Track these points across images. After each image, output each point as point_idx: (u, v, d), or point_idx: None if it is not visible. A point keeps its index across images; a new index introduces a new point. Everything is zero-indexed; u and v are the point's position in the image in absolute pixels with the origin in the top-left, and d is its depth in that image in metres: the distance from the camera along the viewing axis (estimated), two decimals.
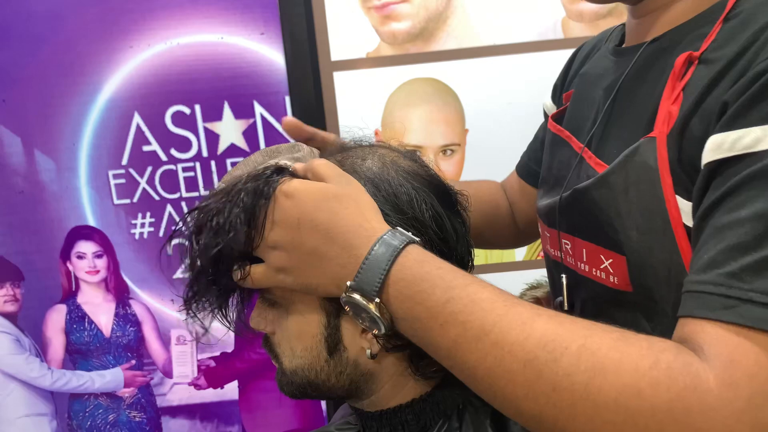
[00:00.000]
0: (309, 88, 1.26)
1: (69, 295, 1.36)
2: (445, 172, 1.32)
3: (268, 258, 0.51)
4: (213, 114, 1.28)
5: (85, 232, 1.33)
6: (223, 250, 0.51)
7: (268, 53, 1.25)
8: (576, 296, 0.66)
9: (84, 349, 1.38)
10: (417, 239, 0.48)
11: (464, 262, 0.57)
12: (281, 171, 0.53)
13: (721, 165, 0.45)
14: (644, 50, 0.59)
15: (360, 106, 1.29)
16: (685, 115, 0.50)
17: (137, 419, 1.41)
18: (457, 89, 1.29)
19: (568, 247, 0.65)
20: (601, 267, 0.60)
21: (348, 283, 0.47)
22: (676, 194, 0.51)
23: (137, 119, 1.28)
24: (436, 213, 0.53)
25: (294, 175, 0.53)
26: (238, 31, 1.24)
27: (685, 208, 0.51)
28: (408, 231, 0.49)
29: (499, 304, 0.44)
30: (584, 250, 0.62)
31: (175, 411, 1.41)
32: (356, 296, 0.47)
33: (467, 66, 1.27)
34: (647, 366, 0.40)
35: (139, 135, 1.29)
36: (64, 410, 1.41)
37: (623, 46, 0.66)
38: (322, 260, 0.48)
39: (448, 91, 1.29)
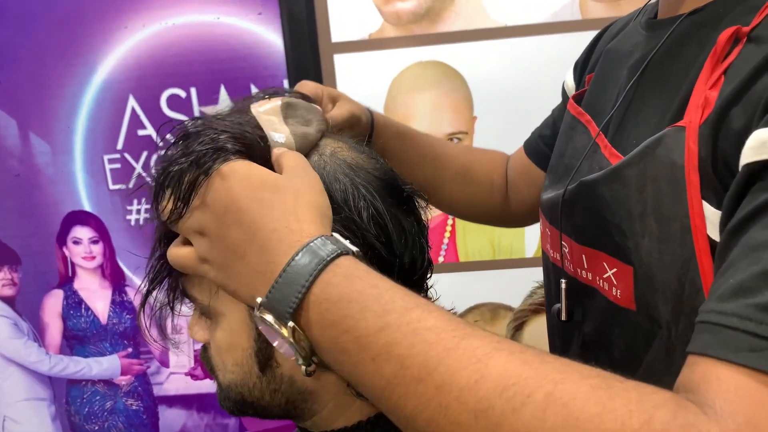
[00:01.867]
0: (308, 72, 1.20)
1: (66, 281, 1.34)
2: None
3: (193, 242, 0.43)
4: (209, 98, 1.23)
5: (80, 218, 1.30)
6: (152, 216, 0.46)
7: (265, 34, 1.20)
8: (576, 305, 0.58)
9: (81, 335, 1.36)
10: (353, 249, 0.39)
11: (415, 268, 0.49)
12: (242, 149, 0.44)
13: (765, 168, 0.37)
14: (681, 23, 0.50)
15: (362, 90, 1.22)
16: (724, 104, 0.42)
17: (134, 407, 1.40)
18: (465, 73, 1.21)
19: (566, 250, 0.58)
20: (604, 276, 0.52)
21: (258, 299, 0.38)
22: (702, 199, 0.43)
23: (132, 102, 1.24)
24: (376, 212, 0.46)
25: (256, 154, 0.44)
26: (234, 10, 1.19)
27: (711, 216, 0.42)
28: (342, 235, 0.42)
29: (447, 335, 0.35)
30: (583, 255, 0.55)
31: (172, 401, 1.39)
32: (268, 317, 0.38)
33: (476, 49, 1.19)
34: (635, 426, 0.30)
35: (135, 118, 1.25)
36: (62, 395, 1.40)
37: (658, 18, 0.56)
38: (240, 261, 0.40)
39: (455, 76, 1.21)
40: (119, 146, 1.26)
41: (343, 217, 0.45)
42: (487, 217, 0.89)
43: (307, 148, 0.49)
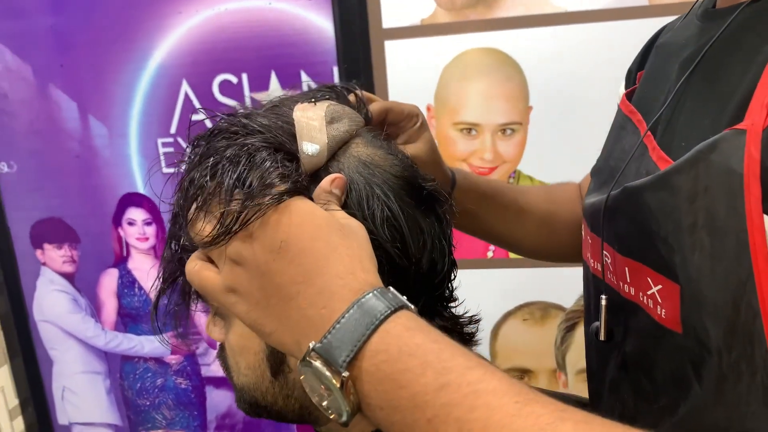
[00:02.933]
0: (358, 58, 1.17)
1: (121, 260, 1.38)
2: (504, 154, 1.20)
3: (222, 268, 0.40)
4: (260, 83, 1.23)
5: (135, 200, 1.33)
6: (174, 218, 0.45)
7: (316, 20, 1.18)
8: (617, 324, 0.54)
9: (134, 314, 1.40)
10: (411, 306, 0.37)
11: (435, 271, 0.47)
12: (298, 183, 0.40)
13: None
14: (742, 11, 0.45)
15: (412, 78, 1.19)
16: None
17: (183, 386, 1.43)
18: (522, 61, 1.15)
19: (608, 261, 0.53)
20: (648, 293, 0.48)
21: (311, 343, 0.35)
22: (764, 213, 0.39)
23: (185, 87, 1.25)
24: (391, 214, 0.43)
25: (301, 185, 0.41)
26: None
27: None
28: None
29: (509, 399, 0.32)
30: (626, 268, 0.50)
31: (219, 382, 1.42)
32: (318, 364, 0.35)
33: (534, 35, 1.13)
34: None
35: (188, 103, 1.26)
36: (116, 370, 1.46)
37: (716, 7, 0.51)
38: (289, 302, 0.37)
39: (510, 64, 1.16)
40: (172, 130, 1.28)
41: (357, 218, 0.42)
42: (574, 257, 0.85)
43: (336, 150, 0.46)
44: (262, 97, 1.24)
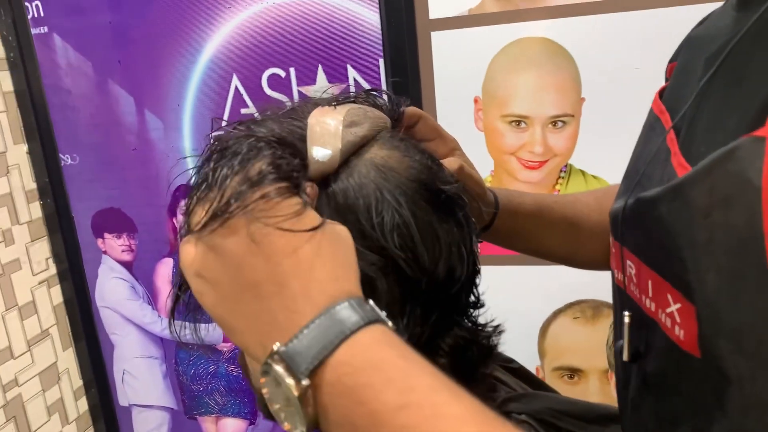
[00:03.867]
0: (404, 51, 1.16)
1: (175, 250, 1.43)
2: (555, 147, 1.16)
3: (197, 251, 0.37)
4: (307, 77, 1.23)
5: (189, 191, 1.37)
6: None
7: (362, 13, 1.17)
8: (641, 342, 0.50)
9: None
10: (389, 322, 0.35)
11: (453, 279, 0.44)
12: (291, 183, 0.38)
13: None
14: None
15: (459, 69, 1.17)
16: None
17: (234, 373, 1.47)
18: (573, 51, 1.11)
19: (632, 272, 0.49)
20: (668, 311, 0.44)
21: (276, 345, 0.33)
22: None
23: (236, 81, 1.27)
24: (402, 221, 0.42)
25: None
26: None
27: None
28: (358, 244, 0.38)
29: (471, 428, 0.30)
30: (650, 281, 0.46)
31: None
32: (279, 368, 0.33)
33: (587, 23, 1.09)
34: None
35: (238, 97, 1.28)
36: (172, 356, 1.51)
37: None
38: (260, 302, 0.35)
39: (561, 53, 1.12)
40: (224, 124, 1.30)
41: (364, 227, 0.41)
42: (588, 261, 0.81)
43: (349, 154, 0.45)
44: (308, 91, 1.24)
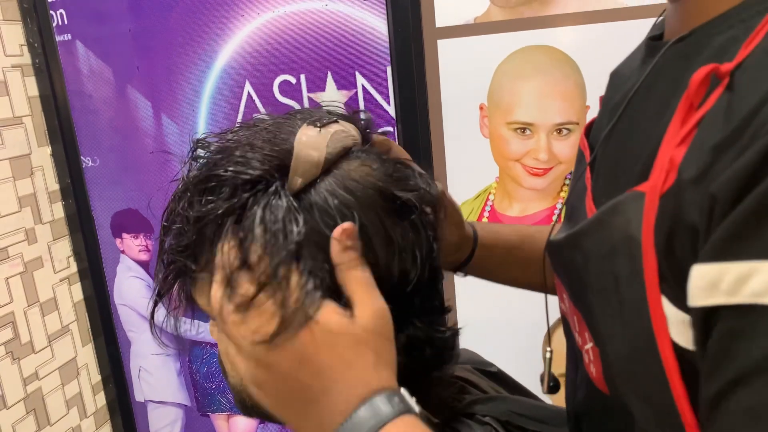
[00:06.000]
0: (411, 58, 1.18)
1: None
2: (559, 154, 1.16)
3: (247, 363, 0.42)
4: (317, 84, 1.26)
5: None
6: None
7: (371, 21, 1.19)
8: (573, 370, 0.52)
9: None
10: (416, 409, 0.40)
11: (407, 280, 0.46)
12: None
13: (723, 313, 0.29)
14: (667, 51, 0.40)
15: (465, 77, 1.18)
16: (692, 173, 0.32)
17: None
18: (578, 59, 1.12)
19: (567, 304, 0.50)
20: (585, 348, 0.46)
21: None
22: (661, 293, 0.34)
23: (248, 88, 1.30)
24: (359, 225, 0.44)
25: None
26: None
27: (672, 317, 0.34)
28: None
29: None
30: (575, 317, 0.48)
31: None
32: None
33: (591, 32, 1.09)
34: None
35: (250, 103, 1.31)
36: (185, 355, 1.55)
37: (664, 38, 0.46)
38: (307, 406, 0.41)
39: (566, 62, 1.12)
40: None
41: (322, 230, 0.43)
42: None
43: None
44: (318, 97, 1.27)
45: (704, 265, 0.30)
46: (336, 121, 0.49)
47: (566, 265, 0.45)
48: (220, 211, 0.45)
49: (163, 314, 0.54)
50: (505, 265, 0.69)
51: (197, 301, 0.51)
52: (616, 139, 0.44)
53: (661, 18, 0.51)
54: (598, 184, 0.46)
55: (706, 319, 0.31)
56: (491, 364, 0.66)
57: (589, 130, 0.55)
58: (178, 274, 0.49)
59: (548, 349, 0.52)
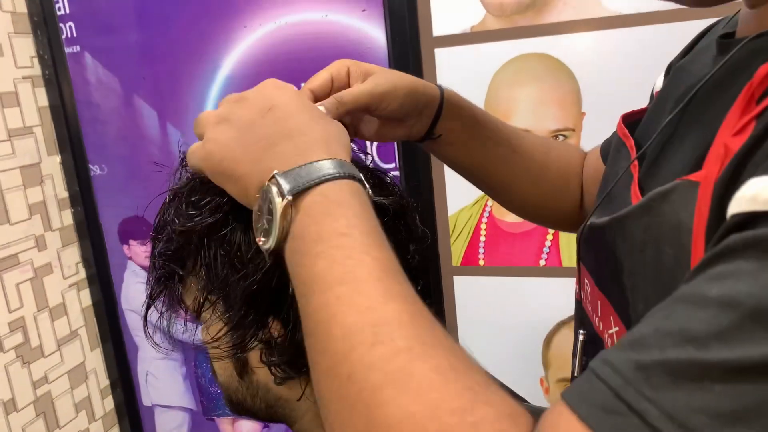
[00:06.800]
0: (408, 66, 1.20)
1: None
2: None
3: (212, 126, 0.47)
4: None
5: None
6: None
7: (370, 30, 1.22)
8: (591, 357, 0.53)
9: None
10: (368, 186, 0.43)
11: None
12: None
13: (748, 222, 0.30)
14: (744, 47, 0.41)
15: (462, 84, 1.19)
16: (741, 156, 0.33)
17: None
18: (573, 67, 1.13)
19: (588, 290, 0.52)
20: (609, 332, 0.46)
21: (276, 171, 0.41)
22: None
23: None
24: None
25: None
26: (341, 8, 1.22)
27: None
28: None
29: (379, 272, 0.37)
30: (599, 302, 0.49)
31: None
32: (273, 188, 0.41)
33: (586, 40, 1.11)
34: (452, 408, 0.30)
35: None
36: (191, 358, 1.57)
37: (736, 36, 0.46)
38: (268, 149, 0.43)
39: (561, 69, 1.14)
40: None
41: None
42: (559, 222, 0.81)
43: None
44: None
45: (756, 178, 0.30)
46: None
47: (605, 247, 0.45)
48: (204, 225, 0.47)
49: (164, 317, 0.56)
50: (467, 142, 0.67)
51: (186, 303, 0.54)
52: (679, 130, 0.45)
53: (721, 18, 0.51)
54: (647, 173, 0.46)
55: (728, 229, 0.30)
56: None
57: (629, 119, 0.56)
58: (167, 278, 0.52)
59: (582, 332, 0.53)
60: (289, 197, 0.40)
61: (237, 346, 0.49)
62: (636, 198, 0.45)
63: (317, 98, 0.54)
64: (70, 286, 1.53)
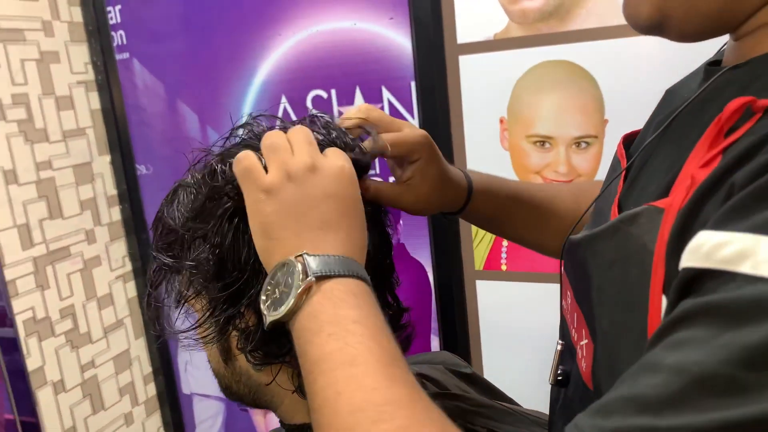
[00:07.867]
0: (433, 73, 1.23)
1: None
2: (579, 167, 1.18)
3: (274, 170, 0.49)
4: (346, 98, 1.33)
5: None
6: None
7: (396, 38, 1.25)
8: (568, 367, 0.55)
9: None
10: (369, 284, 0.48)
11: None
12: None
13: (699, 277, 0.32)
14: (721, 76, 0.42)
15: (485, 91, 1.22)
16: (704, 189, 0.35)
17: None
18: (596, 74, 1.13)
19: (569, 301, 0.54)
20: (580, 344, 0.49)
21: (306, 251, 0.45)
22: (663, 293, 0.37)
23: (284, 101, 1.39)
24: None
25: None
26: (369, 16, 1.26)
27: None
28: None
29: (386, 359, 0.41)
30: (575, 314, 0.51)
31: None
32: (299, 265, 0.45)
33: (609, 47, 1.11)
34: None
35: (286, 116, 1.40)
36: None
37: (722, 65, 0.48)
38: (314, 230, 0.47)
39: (584, 76, 1.14)
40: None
41: None
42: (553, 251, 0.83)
43: None
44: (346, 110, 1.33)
45: (702, 232, 0.32)
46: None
47: (579, 263, 0.47)
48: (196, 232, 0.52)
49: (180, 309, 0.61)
50: (500, 217, 0.71)
51: (185, 295, 0.58)
52: (654, 152, 0.47)
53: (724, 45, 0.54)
54: (627, 192, 0.48)
55: (685, 286, 0.33)
56: (466, 366, 0.70)
57: (629, 139, 0.58)
58: (167, 269, 0.57)
59: (559, 342, 0.55)
60: (312, 278, 0.44)
61: (215, 332, 0.53)
62: (614, 215, 0.47)
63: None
64: (117, 277, 1.63)
